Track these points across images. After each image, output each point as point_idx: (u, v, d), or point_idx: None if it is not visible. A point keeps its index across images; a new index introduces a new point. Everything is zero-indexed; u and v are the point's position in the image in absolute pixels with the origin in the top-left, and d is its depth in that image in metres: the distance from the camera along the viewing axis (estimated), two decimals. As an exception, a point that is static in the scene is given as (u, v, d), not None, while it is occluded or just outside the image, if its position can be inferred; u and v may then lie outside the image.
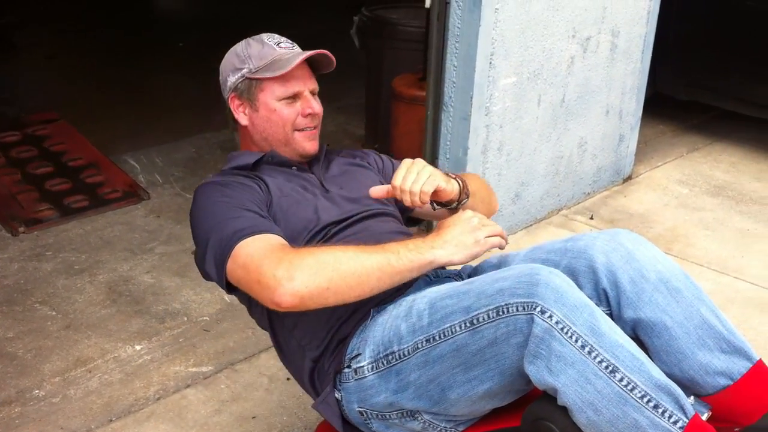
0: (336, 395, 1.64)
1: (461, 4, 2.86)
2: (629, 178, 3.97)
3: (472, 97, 2.94)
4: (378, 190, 1.66)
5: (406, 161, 1.62)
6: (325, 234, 1.72)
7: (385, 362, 1.56)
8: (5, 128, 4.13)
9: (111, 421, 2.25)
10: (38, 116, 4.30)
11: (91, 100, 4.77)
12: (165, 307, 2.79)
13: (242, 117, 1.83)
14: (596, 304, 1.53)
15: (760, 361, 1.57)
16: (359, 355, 1.60)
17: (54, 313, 2.74)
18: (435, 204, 1.73)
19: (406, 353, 1.53)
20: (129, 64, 5.55)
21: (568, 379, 1.35)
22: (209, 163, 3.94)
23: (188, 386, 2.39)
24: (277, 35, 1.86)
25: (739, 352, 1.55)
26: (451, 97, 3.00)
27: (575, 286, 1.43)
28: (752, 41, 4.17)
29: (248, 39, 1.84)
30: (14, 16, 6.46)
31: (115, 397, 2.34)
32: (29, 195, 3.54)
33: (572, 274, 1.58)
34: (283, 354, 1.80)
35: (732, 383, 1.53)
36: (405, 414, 1.57)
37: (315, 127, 1.84)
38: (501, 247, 1.64)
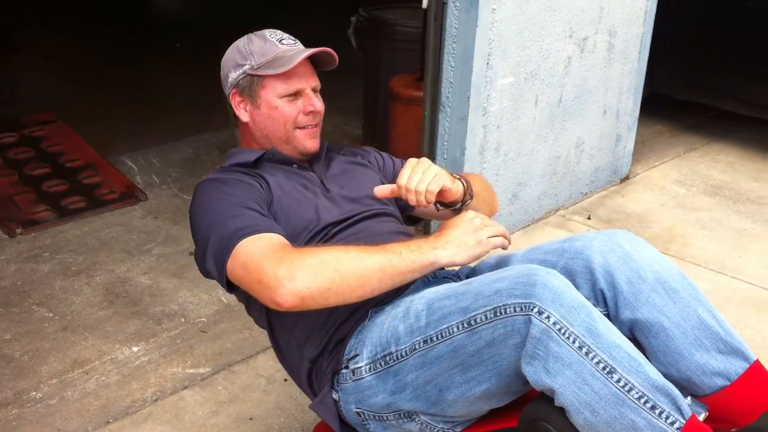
0: (333, 396, 1.64)
1: (458, 4, 2.86)
2: (626, 178, 3.97)
3: (469, 98, 2.94)
4: (382, 190, 1.65)
5: (412, 160, 1.62)
6: (325, 234, 1.72)
7: (382, 363, 1.55)
8: (2, 129, 4.12)
9: (108, 422, 2.25)
10: (36, 117, 4.29)
11: (90, 101, 4.76)
12: (162, 308, 2.79)
13: (243, 114, 1.82)
14: (593, 304, 1.52)
15: (757, 361, 1.57)
16: (357, 355, 1.60)
17: (51, 314, 2.73)
18: (438, 204, 1.72)
19: (403, 354, 1.52)
20: (128, 64, 5.55)
21: (565, 380, 1.35)
22: (207, 164, 3.93)
23: (185, 387, 2.39)
24: (279, 31, 1.84)
25: (736, 352, 1.54)
26: (448, 97, 3.00)
27: (573, 286, 1.43)
28: (750, 41, 4.17)
29: (250, 34, 1.83)
30: (14, 16, 6.46)
31: (113, 399, 2.34)
32: (26, 196, 3.53)
33: (569, 274, 1.58)
34: (281, 354, 1.80)
35: (729, 384, 1.53)
36: (402, 415, 1.57)
37: (316, 125, 1.83)
38: (504, 248, 1.64)
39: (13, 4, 6.57)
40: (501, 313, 1.40)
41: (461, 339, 1.44)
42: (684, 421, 1.34)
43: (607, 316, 1.57)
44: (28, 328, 2.66)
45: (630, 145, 3.92)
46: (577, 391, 1.35)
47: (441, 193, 1.62)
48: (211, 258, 1.58)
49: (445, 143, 3.06)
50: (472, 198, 1.73)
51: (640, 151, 4.20)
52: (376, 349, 1.57)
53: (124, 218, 3.42)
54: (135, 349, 2.57)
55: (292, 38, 1.84)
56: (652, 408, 1.34)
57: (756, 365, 1.56)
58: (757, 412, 1.54)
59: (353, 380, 1.60)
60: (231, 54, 1.83)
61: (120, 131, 4.31)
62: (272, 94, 1.78)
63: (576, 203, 3.69)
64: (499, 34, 2.95)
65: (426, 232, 3.13)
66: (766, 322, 2.79)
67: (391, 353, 1.54)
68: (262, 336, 2.54)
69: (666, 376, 1.45)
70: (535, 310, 1.36)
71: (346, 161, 1.93)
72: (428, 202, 1.60)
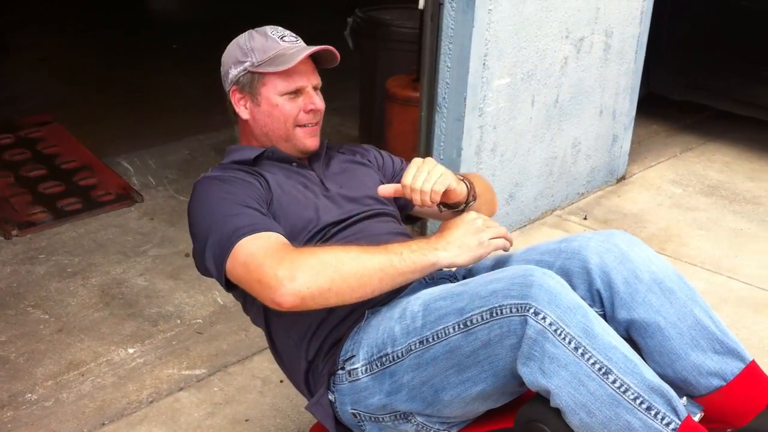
0: (329, 397, 1.63)
1: (455, 5, 2.85)
2: (623, 178, 3.98)
3: (465, 98, 2.94)
4: (386, 189, 1.64)
5: (417, 160, 1.60)
6: (325, 234, 1.71)
7: (378, 364, 1.55)
8: (-1, 131, 4.12)
9: (104, 424, 2.24)
10: (32, 119, 4.28)
11: (88, 101, 4.76)
12: (158, 309, 2.78)
13: (243, 111, 1.81)
14: (590, 304, 1.53)
15: (753, 362, 1.57)
16: (353, 356, 1.59)
17: (47, 316, 2.73)
18: (441, 206, 1.71)
19: (399, 355, 1.52)
20: (128, 64, 5.55)
21: (561, 381, 1.35)
22: (203, 165, 3.92)
23: (181, 389, 2.39)
24: (280, 28, 1.83)
25: (732, 352, 1.54)
26: (444, 98, 3.00)
27: (569, 287, 1.43)
28: (747, 41, 4.18)
29: (251, 31, 1.81)
30: (14, 16, 6.45)
31: (108, 401, 2.33)
32: (22, 198, 3.53)
33: (566, 275, 1.58)
34: (278, 354, 1.79)
35: (725, 384, 1.53)
36: (398, 416, 1.57)
37: (316, 123, 1.82)
38: (505, 249, 1.64)
39: (13, 4, 6.56)
40: (497, 313, 1.39)
41: (457, 340, 1.44)
42: (679, 422, 1.34)
43: (604, 316, 1.57)
44: (23, 329, 2.65)
45: (626, 145, 3.92)
46: (573, 392, 1.35)
47: (445, 193, 1.60)
48: (211, 257, 1.57)
49: (442, 144, 3.06)
50: (475, 200, 1.71)
51: (637, 151, 4.21)
52: (372, 351, 1.56)
53: (120, 220, 3.41)
54: (131, 350, 2.56)
55: (294, 35, 1.83)
56: (648, 409, 1.34)
57: (752, 366, 1.56)
58: (752, 413, 1.54)
59: (349, 381, 1.59)
60: (232, 50, 1.81)
61: (117, 132, 4.30)
62: (273, 91, 1.77)
63: (572, 203, 3.69)
64: (496, 35, 2.95)
65: (423, 232, 3.12)
66: (762, 322, 2.79)
67: (387, 354, 1.54)
68: (258, 337, 2.54)
69: (662, 376, 1.45)
70: (531, 310, 1.36)
71: (346, 160, 1.92)
72: (433, 202, 1.58)
